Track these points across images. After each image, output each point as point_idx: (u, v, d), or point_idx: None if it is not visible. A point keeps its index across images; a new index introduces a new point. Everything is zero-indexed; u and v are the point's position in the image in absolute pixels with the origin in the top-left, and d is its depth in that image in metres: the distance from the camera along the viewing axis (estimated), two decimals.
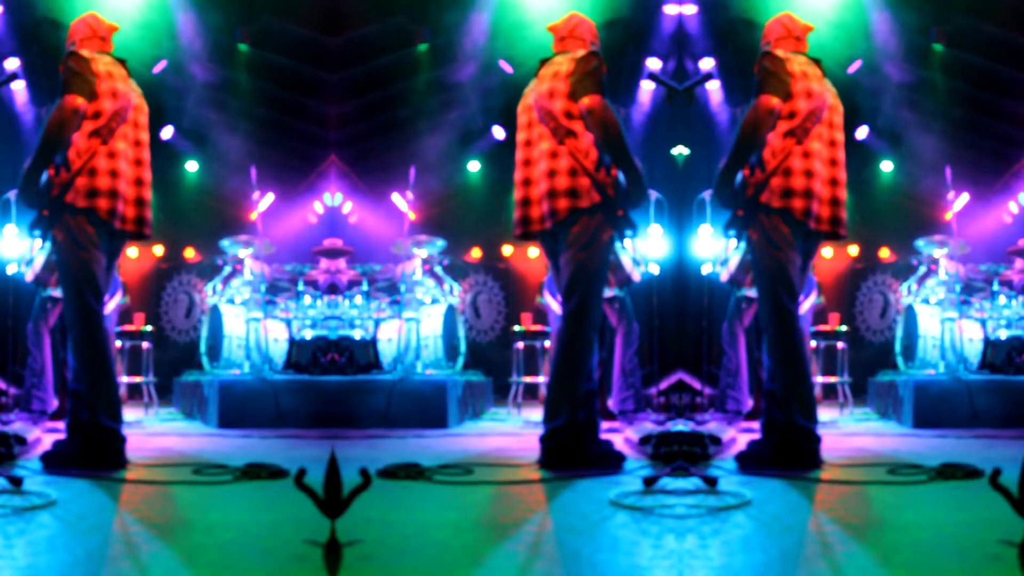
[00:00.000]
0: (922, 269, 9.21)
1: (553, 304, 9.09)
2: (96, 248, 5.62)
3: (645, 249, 8.30)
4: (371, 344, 8.72)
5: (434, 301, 9.19)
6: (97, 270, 5.63)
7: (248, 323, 8.88)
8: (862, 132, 10.92)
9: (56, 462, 5.55)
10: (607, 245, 5.61)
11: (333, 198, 10.89)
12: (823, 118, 5.61)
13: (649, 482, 4.74)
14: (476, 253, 11.71)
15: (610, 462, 5.55)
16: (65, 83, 5.50)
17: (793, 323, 5.61)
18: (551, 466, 5.55)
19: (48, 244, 7.83)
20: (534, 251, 10.43)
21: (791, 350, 5.60)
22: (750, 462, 5.57)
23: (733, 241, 8.04)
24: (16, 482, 4.74)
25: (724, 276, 8.13)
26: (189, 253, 11.56)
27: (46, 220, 5.57)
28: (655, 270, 8.38)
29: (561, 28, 5.77)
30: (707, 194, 8.18)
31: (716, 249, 8.28)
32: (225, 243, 9.38)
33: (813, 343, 8.92)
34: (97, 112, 5.56)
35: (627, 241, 8.06)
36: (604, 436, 5.90)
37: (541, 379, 8.94)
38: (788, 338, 5.60)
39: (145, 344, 9.38)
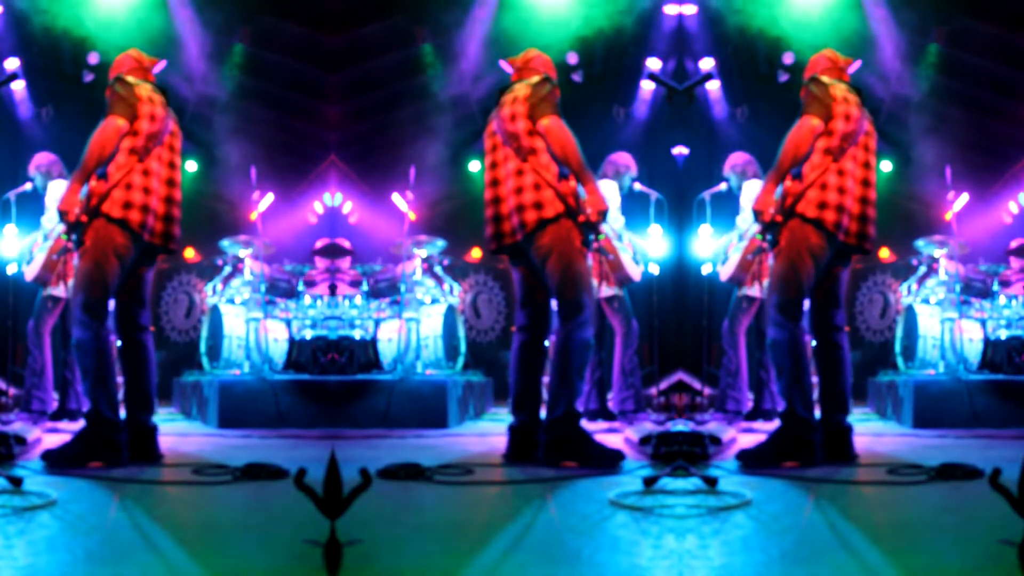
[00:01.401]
0: (922, 269, 9.21)
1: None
2: (118, 259, 5.83)
3: (645, 249, 8.30)
4: (371, 344, 8.71)
5: (434, 301, 9.18)
6: (112, 280, 5.84)
7: (248, 323, 8.88)
8: None
9: (58, 458, 5.64)
10: (581, 249, 5.86)
11: (333, 198, 10.90)
12: (859, 141, 5.93)
13: (649, 482, 4.74)
14: (476, 253, 11.71)
15: (608, 460, 5.64)
16: (110, 105, 5.86)
17: (798, 323, 5.87)
18: (550, 460, 5.67)
19: (48, 243, 7.91)
20: None
21: (794, 348, 5.84)
22: (751, 458, 5.68)
23: (734, 240, 8.11)
24: (16, 482, 4.74)
25: (724, 275, 8.15)
26: (189, 253, 11.56)
27: (84, 226, 5.80)
28: (655, 270, 8.38)
29: (518, 61, 6.19)
30: (707, 194, 8.19)
31: (716, 249, 8.28)
32: (225, 243, 9.38)
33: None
34: (135, 131, 5.88)
35: (626, 240, 8.13)
36: (601, 437, 5.98)
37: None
38: (792, 337, 5.84)
39: None
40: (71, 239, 5.82)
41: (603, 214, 5.85)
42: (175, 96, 10.37)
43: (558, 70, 6.35)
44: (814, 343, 6.22)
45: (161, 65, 6.36)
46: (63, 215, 5.78)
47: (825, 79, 5.97)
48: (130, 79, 5.98)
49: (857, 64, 6.30)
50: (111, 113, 5.83)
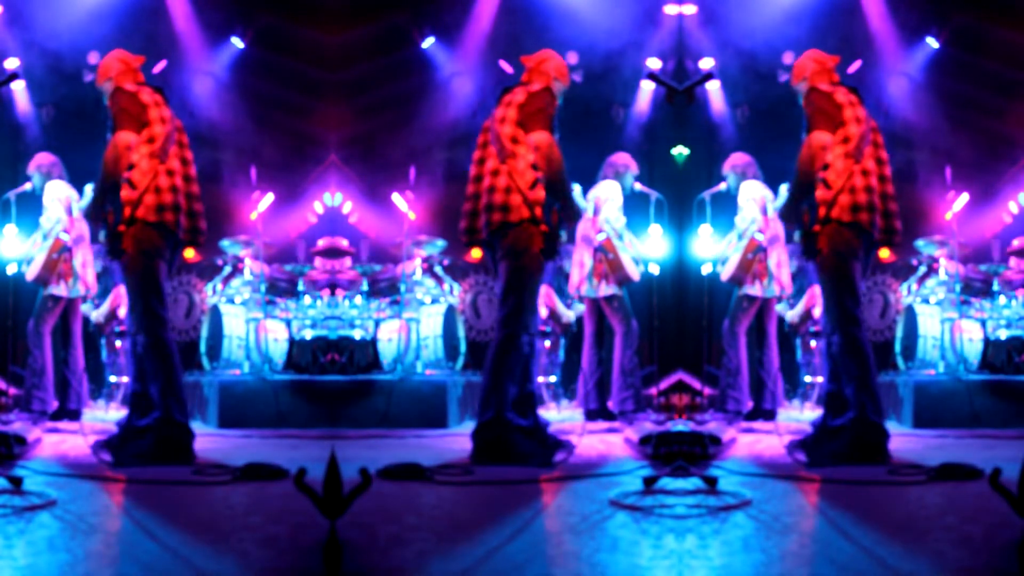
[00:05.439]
0: (922, 269, 9.21)
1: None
2: (160, 258, 6.07)
3: (645, 249, 8.30)
4: (371, 344, 8.71)
5: (434, 301, 9.19)
6: (161, 278, 6.09)
7: (248, 323, 8.87)
8: None
9: (129, 457, 5.78)
10: (539, 256, 6.03)
11: (333, 198, 10.89)
12: (870, 139, 6.12)
13: (649, 482, 4.74)
14: (476, 253, 11.68)
15: (536, 459, 5.79)
16: (115, 119, 6.06)
17: (860, 326, 6.04)
18: (481, 461, 5.83)
19: (47, 243, 7.91)
20: None
21: (860, 351, 5.99)
22: (823, 458, 5.82)
23: (733, 240, 8.11)
24: (16, 482, 4.75)
25: (724, 275, 8.15)
26: (189, 253, 11.52)
27: (122, 235, 5.96)
28: (655, 270, 8.37)
29: (531, 61, 6.31)
30: (707, 194, 8.19)
31: (716, 249, 8.28)
32: (225, 243, 9.37)
33: (813, 343, 8.93)
34: (151, 137, 6.03)
35: (626, 240, 8.13)
36: (601, 437, 6.02)
37: (540, 379, 8.95)
38: (856, 341, 6.00)
39: None
40: (109, 250, 6.01)
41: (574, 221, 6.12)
42: (175, 95, 10.38)
43: None
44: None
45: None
46: (100, 224, 6.07)
47: (823, 88, 6.11)
48: (128, 87, 6.10)
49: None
50: (119, 128, 5.98)
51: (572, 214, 6.17)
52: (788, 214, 6.26)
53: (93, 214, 6.16)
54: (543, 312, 9.10)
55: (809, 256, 6.08)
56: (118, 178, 5.96)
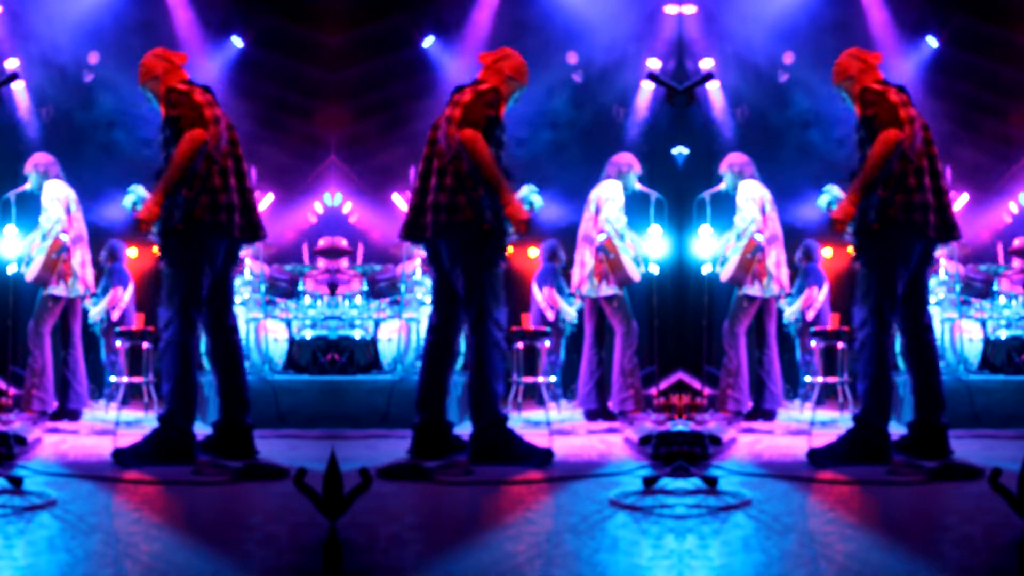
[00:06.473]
0: None
1: (539, 297, 9.13)
2: (208, 264, 5.93)
3: (644, 250, 8.30)
4: (371, 344, 8.71)
5: None
6: (205, 283, 5.94)
7: (248, 323, 8.88)
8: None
9: (129, 457, 5.75)
10: (490, 256, 5.95)
11: (333, 198, 10.90)
12: (921, 137, 6.08)
13: (649, 482, 4.74)
14: None
15: (537, 459, 5.79)
16: (181, 118, 5.87)
17: (888, 329, 6.02)
18: (481, 462, 5.80)
19: (46, 243, 7.91)
20: (534, 251, 10.43)
21: (880, 353, 5.99)
22: (822, 457, 5.83)
23: (732, 240, 8.11)
24: (16, 482, 4.75)
25: (724, 275, 8.15)
26: None
27: (181, 234, 5.85)
28: (655, 270, 8.38)
29: (488, 58, 6.21)
30: (707, 194, 8.20)
31: (716, 249, 8.28)
32: None
33: (813, 343, 8.93)
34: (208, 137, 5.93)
35: (627, 240, 8.13)
36: (601, 437, 6.01)
37: (541, 379, 8.94)
38: (880, 342, 5.98)
39: (145, 344, 9.37)
40: (161, 246, 5.91)
41: (524, 223, 5.92)
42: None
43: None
44: (898, 344, 6.36)
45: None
46: (140, 223, 5.84)
47: (876, 87, 6.06)
48: (182, 87, 6.00)
49: (880, 58, 6.35)
50: (190, 127, 5.83)
51: (512, 211, 5.88)
52: (847, 210, 5.96)
53: (148, 210, 5.83)
54: (549, 314, 9.11)
55: (860, 254, 6.02)
56: (188, 175, 5.83)
